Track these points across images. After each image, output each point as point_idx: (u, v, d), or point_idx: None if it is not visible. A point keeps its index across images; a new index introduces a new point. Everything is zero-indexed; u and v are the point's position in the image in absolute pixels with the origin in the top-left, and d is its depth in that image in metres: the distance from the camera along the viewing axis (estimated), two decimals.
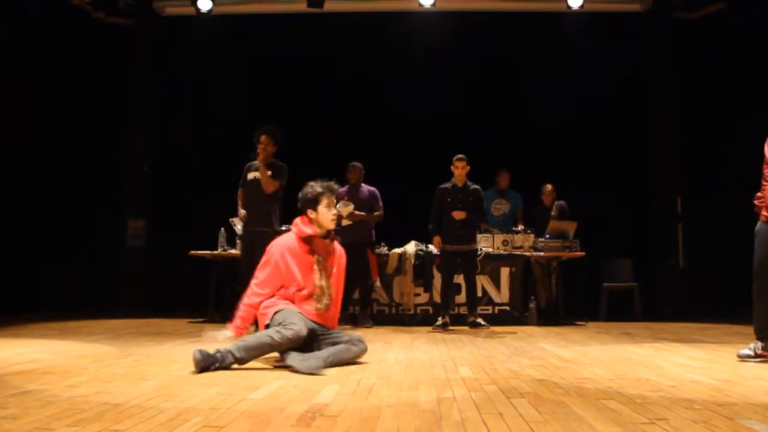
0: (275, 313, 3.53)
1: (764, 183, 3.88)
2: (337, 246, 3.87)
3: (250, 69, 8.87)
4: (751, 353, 3.80)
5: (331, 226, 3.77)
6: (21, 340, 4.74)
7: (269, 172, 5.48)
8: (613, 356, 4.03)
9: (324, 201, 3.73)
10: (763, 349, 3.79)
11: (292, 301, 3.63)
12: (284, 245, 3.72)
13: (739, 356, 3.84)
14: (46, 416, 2.21)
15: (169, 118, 8.80)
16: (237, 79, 8.80)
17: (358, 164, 6.65)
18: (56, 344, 4.50)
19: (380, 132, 8.48)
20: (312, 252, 3.70)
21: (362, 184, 6.63)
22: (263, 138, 5.53)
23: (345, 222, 6.39)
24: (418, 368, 3.47)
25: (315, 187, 3.77)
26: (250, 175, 5.66)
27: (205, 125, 8.77)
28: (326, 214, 3.73)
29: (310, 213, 3.74)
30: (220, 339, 3.53)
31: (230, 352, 3.30)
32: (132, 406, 2.38)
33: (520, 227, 7.26)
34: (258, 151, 5.50)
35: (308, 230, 3.71)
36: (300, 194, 3.81)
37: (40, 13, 7.79)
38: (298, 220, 3.79)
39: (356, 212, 6.38)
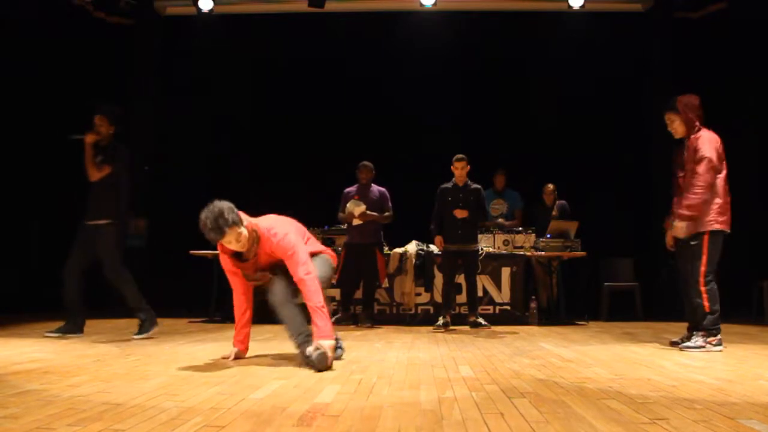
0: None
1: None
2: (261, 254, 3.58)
3: (251, 68, 8.88)
4: None
5: (242, 249, 3.48)
6: (21, 339, 4.74)
7: (99, 158, 4.90)
8: (614, 356, 4.02)
9: (224, 240, 3.40)
10: None
11: None
12: None
13: None
14: (47, 416, 2.21)
15: (170, 118, 8.80)
16: (238, 78, 8.80)
17: (369, 164, 6.58)
18: (57, 344, 4.51)
19: (380, 131, 8.48)
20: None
21: (372, 185, 6.60)
22: (97, 118, 5.00)
23: (356, 221, 6.38)
24: (419, 368, 3.47)
25: (209, 234, 3.35)
26: None
27: (206, 124, 8.77)
28: (233, 245, 3.45)
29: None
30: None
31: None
32: (133, 406, 2.38)
33: (515, 223, 7.25)
34: (90, 132, 4.93)
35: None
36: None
37: (40, 12, 7.79)
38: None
39: (368, 212, 6.36)
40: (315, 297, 3.39)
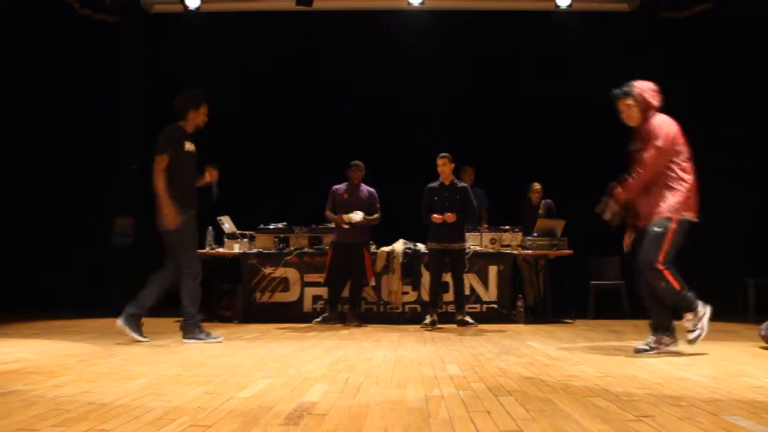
0: None
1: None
2: None
3: (238, 66, 8.83)
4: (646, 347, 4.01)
5: None
6: (5, 339, 4.69)
7: None
8: (600, 354, 4.05)
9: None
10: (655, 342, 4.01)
11: None
12: None
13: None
14: (31, 416, 2.19)
15: (157, 116, 8.73)
16: (225, 76, 8.75)
17: (360, 163, 6.59)
18: (41, 343, 4.46)
19: (368, 130, 8.47)
20: None
21: (362, 184, 6.61)
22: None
23: (349, 221, 6.35)
24: (406, 366, 3.47)
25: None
26: None
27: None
28: None
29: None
30: None
31: None
32: (118, 406, 2.36)
33: (484, 226, 7.25)
34: None
35: None
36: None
37: (26, 9, 7.71)
38: None
39: (366, 217, 6.37)
40: None
